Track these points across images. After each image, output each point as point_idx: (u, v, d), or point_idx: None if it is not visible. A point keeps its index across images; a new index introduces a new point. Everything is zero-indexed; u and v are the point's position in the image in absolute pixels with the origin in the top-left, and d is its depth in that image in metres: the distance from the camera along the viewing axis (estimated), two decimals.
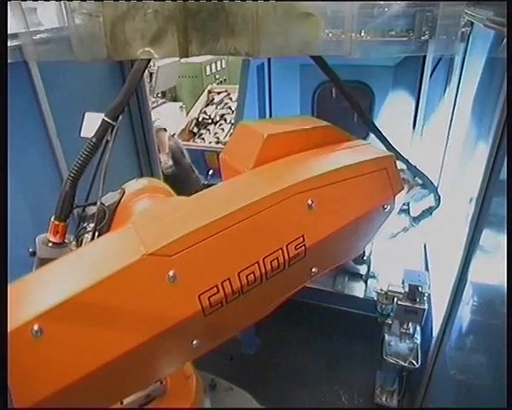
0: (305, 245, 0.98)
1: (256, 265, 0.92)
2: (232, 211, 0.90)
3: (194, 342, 0.94)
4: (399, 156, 1.49)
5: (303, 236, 0.97)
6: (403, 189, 1.24)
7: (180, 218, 0.95)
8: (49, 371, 0.81)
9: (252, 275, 0.92)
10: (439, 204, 1.76)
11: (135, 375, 0.97)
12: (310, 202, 0.98)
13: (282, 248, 0.95)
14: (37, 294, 0.86)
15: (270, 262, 0.94)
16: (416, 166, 1.59)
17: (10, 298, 0.80)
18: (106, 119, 1.07)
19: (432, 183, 1.66)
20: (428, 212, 1.85)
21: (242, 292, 0.92)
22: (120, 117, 1.09)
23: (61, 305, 0.78)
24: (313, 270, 1.07)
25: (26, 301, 0.84)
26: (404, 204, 1.83)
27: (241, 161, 1.15)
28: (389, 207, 1.17)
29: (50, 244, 1.07)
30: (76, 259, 0.94)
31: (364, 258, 3.20)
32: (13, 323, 0.76)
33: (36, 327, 0.76)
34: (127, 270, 0.81)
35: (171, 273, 0.83)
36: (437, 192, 1.74)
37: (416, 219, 1.87)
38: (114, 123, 1.08)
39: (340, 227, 1.05)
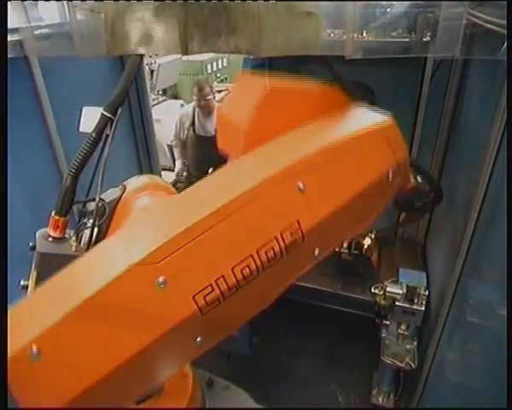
0: (301, 230, 0.94)
1: (250, 258, 0.89)
2: (218, 207, 0.87)
3: (198, 339, 0.93)
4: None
5: (298, 221, 0.93)
6: (407, 157, 1.16)
7: (165, 221, 0.94)
8: (53, 389, 0.83)
9: (247, 269, 0.89)
10: (440, 200, 1.74)
11: (137, 381, 0.97)
12: (301, 184, 0.93)
13: (276, 237, 0.91)
14: (33, 315, 0.88)
15: (265, 253, 0.90)
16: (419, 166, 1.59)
17: (10, 324, 0.83)
18: (104, 113, 1.07)
19: (433, 178, 1.65)
20: (429, 206, 1.84)
21: (239, 286, 0.90)
22: (120, 110, 1.08)
23: (56, 325, 0.79)
24: (316, 252, 1.03)
25: (23, 324, 0.85)
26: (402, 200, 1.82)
27: (238, 114, 1.09)
28: (393, 177, 1.09)
29: (50, 239, 1.07)
30: (67, 275, 0.93)
31: (363, 258, 3.20)
32: (12, 348, 0.79)
33: (34, 350, 0.78)
34: (116, 282, 0.82)
35: (160, 279, 0.83)
36: (439, 187, 1.73)
37: (417, 213, 1.85)
38: (113, 117, 1.07)
39: (338, 206, 0.99)
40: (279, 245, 0.91)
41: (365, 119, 1.12)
